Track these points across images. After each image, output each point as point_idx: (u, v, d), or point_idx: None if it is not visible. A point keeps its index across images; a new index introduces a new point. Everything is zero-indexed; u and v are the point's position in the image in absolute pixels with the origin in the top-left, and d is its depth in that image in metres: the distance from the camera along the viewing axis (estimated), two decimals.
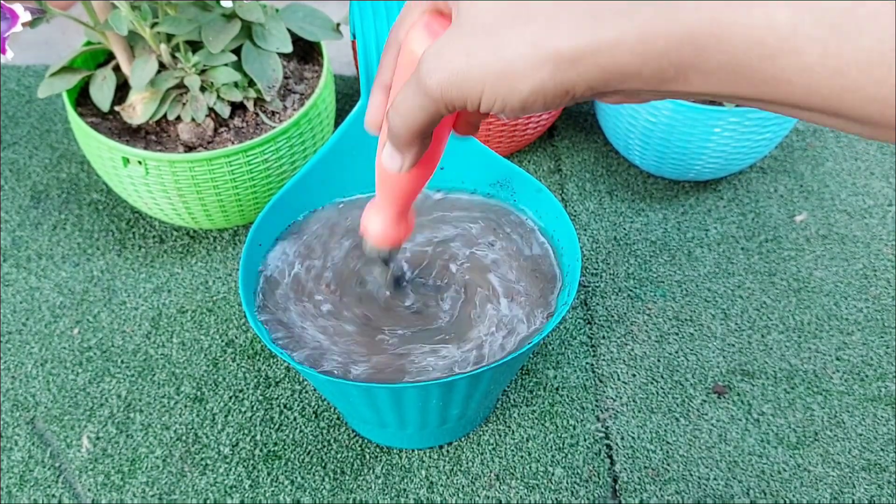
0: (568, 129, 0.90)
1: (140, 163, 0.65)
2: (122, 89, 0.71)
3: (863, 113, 0.20)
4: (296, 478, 0.61)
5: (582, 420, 0.64)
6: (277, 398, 0.65)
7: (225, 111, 0.69)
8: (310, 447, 0.62)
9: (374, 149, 0.56)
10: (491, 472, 0.61)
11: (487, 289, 0.54)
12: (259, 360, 0.68)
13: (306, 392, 0.66)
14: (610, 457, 0.62)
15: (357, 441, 0.63)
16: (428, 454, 0.62)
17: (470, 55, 0.25)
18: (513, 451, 0.63)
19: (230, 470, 0.61)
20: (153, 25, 0.64)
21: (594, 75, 0.23)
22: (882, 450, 0.63)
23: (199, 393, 0.66)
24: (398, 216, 0.42)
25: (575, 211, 0.81)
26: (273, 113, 0.71)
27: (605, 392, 0.66)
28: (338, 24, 0.72)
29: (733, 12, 0.21)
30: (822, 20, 0.20)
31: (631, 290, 0.74)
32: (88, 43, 0.71)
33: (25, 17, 0.56)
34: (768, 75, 0.21)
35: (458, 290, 0.54)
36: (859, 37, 0.19)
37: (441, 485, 0.61)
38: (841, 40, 0.19)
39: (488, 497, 0.60)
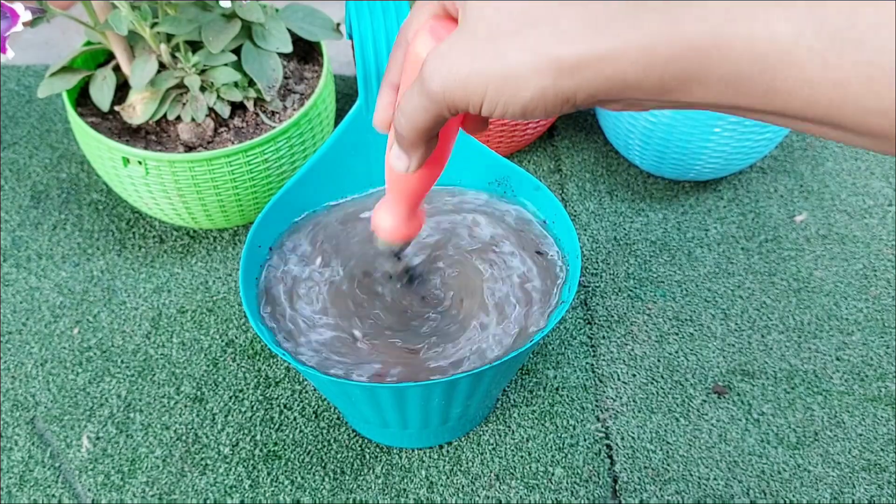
0: (568, 129, 0.90)
1: (140, 163, 0.65)
2: (122, 89, 0.71)
3: (863, 125, 0.21)
4: (296, 478, 0.61)
5: (582, 420, 0.64)
6: (277, 398, 0.65)
7: (225, 111, 0.69)
8: (310, 447, 0.62)
9: (373, 148, 0.57)
10: (491, 472, 0.61)
11: (488, 287, 0.54)
12: (259, 360, 0.68)
13: (306, 392, 0.66)
14: (610, 457, 0.62)
15: (357, 441, 0.63)
16: (428, 454, 0.62)
17: (473, 59, 0.25)
18: (513, 451, 0.63)
19: (230, 470, 0.61)
20: (153, 25, 0.64)
21: (596, 84, 0.23)
22: (882, 450, 0.63)
23: (199, 393, 0.66)
24: (408, 213, 0.43)
25: (575, 211, 0.81)
26: (273, 113, 0.71)
27: (605, 392, 0.66)
28: (338, 24, 0.72)
29: (735, 25, 0.21)
30: (823, 33, 0.20)
31: (631, 290, 0.74)
32: (88, 43, 0.71)
33: (26, 16, 0.56)
34: (769, 87, 0.21)
35: (458, 288, 0.54)
36: (859, 50, 0.19)
37: (441, 485, 0.61)
38: (841, 53, 0.20)
39: (488, 497, 0.60)
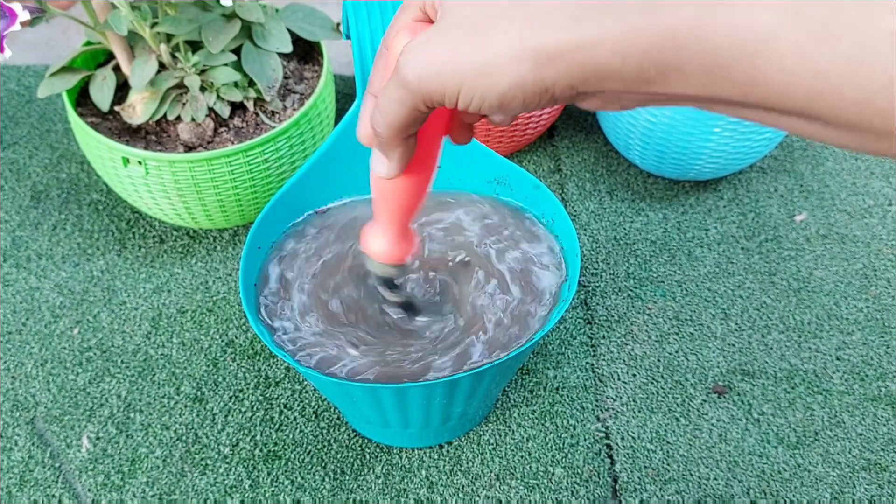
0: (568, 129, 0.90)
1: (140, 163, 0.65)
2: (122, 89, 0.71)
3: (841, 117, 0.21)
4: (296, 478, 0.61)
5: (582, 420, 0.64)
6: (277, 398, 0.65)
7: (225, 111, 0.69)
8: (310, 447, 0.62)
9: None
10: (491, 471, 0.61)
11: (489, 286, 0.54)
12: (259, 360, 0.68)
13: (306, 392, 0.66)
14: (610, 457, 0.62)
15: (357, 441, 0.63)
16: (428, 454, 0.62)
17: (450, 49, 0.25)
18: (513, 451, 0.63)
19: (230, 470, 0.61)
20: (153, 25, 0.64)
21: (574, 73, 0.23)
22: (882, 450, 0.63)
23: (199, 393, 0.66)
24: (399, 231, 0.41)
25: (575, 211, 0.81)
26: (273, 113, 0.71)
27: (605, 392, 0.66)
28: (338, 24, 0.72)
29: (715, 13, 0.21)
30: (803, 24, 0.20)
31: (631, 290, 0.74)
32: (88, 43, 0.71)
33: (24, 16, 0.56)
34: (748, 77, 0.21)
35: (458, 291, 0.54)
36: (839, 42, 0.19)
37: (441, 485, 0.61)
38: (821, 44, 0.20)
39: (488, 497, 0.60)
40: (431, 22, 0.30)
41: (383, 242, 0.42)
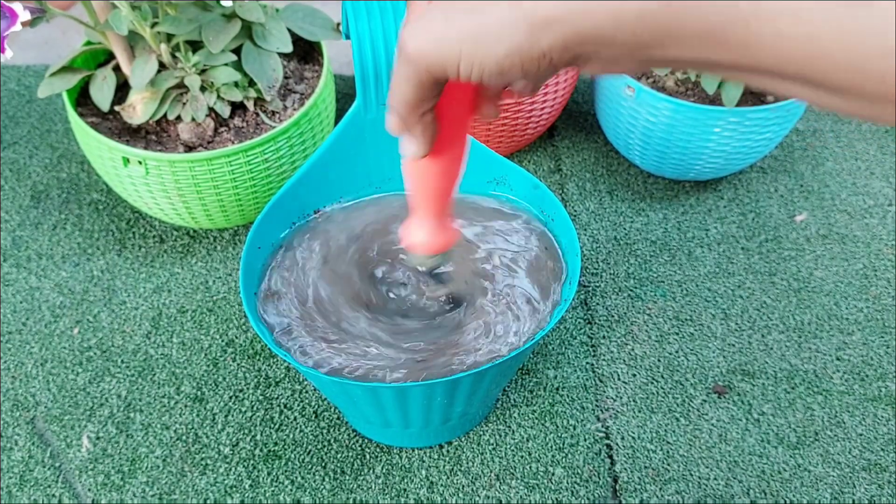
0: (568, 129, 0.90)
1: (140, 163, 0.65)
2: (122, 89, 0.71)
3: (834, 81, 0.21)
4: (296, 478, 0.61)
5: (582, 420, 0.64)
6: (277, 398, 0.65)
7: (225, 111, 0.69)
8: (310, 447, 0.62)
9: (371, 148, 0.57)
10: (491, 471, 0.61)
11: (489, 285, 0.54)
12: (259, 360, 0.68)
13: (306, 392, 0.66)
14: (610, 457, 0.62)
15: (357, 441, 0.63)
16: (428, 454, 0.62)
17: (447, 20, 0.25)
18: (513, 451, 0.63)
19: (230, 470, 0.61)
20: (153, 25, 0.64)
21: (569, 38, 0.24)
22: (882, 450, 0.63)
23: (199, 393, 0.66)
24: (438, 219, 0.41)
25: (575, 211, 0.81)
26: (273, 113, 0.71)
27: (605, 392, 0.66)
28: (338, 24, 0.72)
29: None
30: None
31: (631, 290, 0.74)
32: (88, 43, 0.71)
33: (25, 16, 0.56)
34: (742, 40, 0.21)
35: (463, 289, 0.54)
36: (831, 7, 0.20)
37: (441, 485, 0.61)
38: (813, 8, 0.20)
39: (488, 497, 0.60)
40: None
41: (425, 232, 0.42)
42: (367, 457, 0.62)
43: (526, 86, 0.30)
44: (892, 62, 0.19)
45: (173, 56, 0.67)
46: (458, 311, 0.53)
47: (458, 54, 0.25)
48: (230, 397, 0.65)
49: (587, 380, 0.67)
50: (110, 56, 0.71)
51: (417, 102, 0.30)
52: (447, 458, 0.62)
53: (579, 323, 0.71)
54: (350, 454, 0.62)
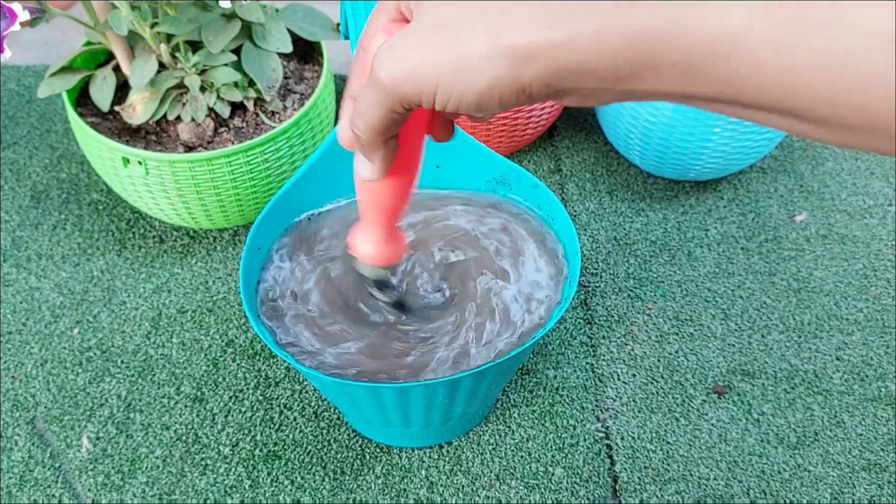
0: (568, 129, 0.90)
1: (140, 163, 0.65)
2: (122, 89, 0.71)
3: (816, 113, 0.21)
4: (296, 478, 0.61)
5: (582, 420, 0.64)
6: (277, 398, 0.65)
7: (225, 111, 0.69)
8: (310, 447, 0.62)
9: None
10: (491, 472, 0.61)
11: (490, 285, 0.54)
12: (259, 360, 0.68)
13: (306, 392, 0.66)
14: (610, 457, 0.62)
15: (357, 441, 0.63)
16: (428, 454, 0.62)
17: (425, 49, 0.25)
18: (513, 451, 0.63)
19: (230, 470, 0.61)
20: (153, 25, 0.64)
21: (550, 72, 0.23)
22: (882, 450, 0.63)
23: (199, 393, 0.66)
24: (385, 233, 0.41)
25: (575, 211, 0.81)
26: (273, 113, 0.71)
27: (605, 392, 0.66)
28: (338, 24, 0.72)
29: (688, 12, 0.21)
30: (777, 22, 0.20)
31: (631, 290, 0.74)
32: (88, 43, 0.71)
33: (24, 16, 0.56)
34: (722, 74, 0.21)
35: (458, 289, 0.54)
36: (812, 40, 0.19)
37: (441, 485, 0.61)
38: (794, 42, 0.20)
39: (488, 497, 0.60)
40: (408, 22, 0.29)
41: (371, 245, 0.42)
42: (367, 457, 0.62)
43: (484, 116, 0.29)
44: (874, 93, 0.19)
45: (173, 56, 0.67)
46: (454, 309, 0.53)
47: (436, 84, 0.25)
48: (230, 397, 0.65)
49: (587, 380, 0.67)
50: (110, 56, 0.71)
51: (385, 130, 0.29)
52: (447, 458, 0.62)
53: (579, 323, 0.71)
54: (350, 454, 0.62)
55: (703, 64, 0.21)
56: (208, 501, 0.59)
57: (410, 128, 0.33)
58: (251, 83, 0.70)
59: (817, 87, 0.20)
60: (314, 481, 0.61)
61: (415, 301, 0.53)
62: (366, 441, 0.63)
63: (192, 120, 0.68)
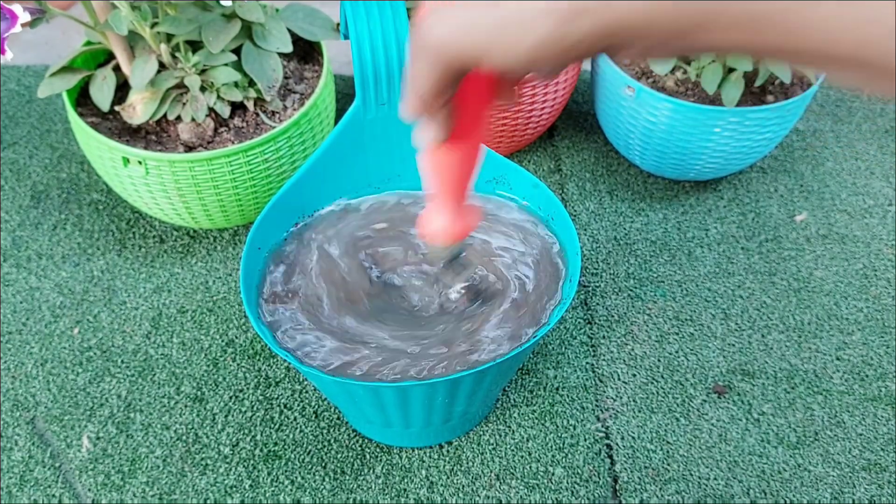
0: (568, 129, 0.90)
1: (140, 163, 0.65)
2: (122, 89, 0.71)
3: (885, 62, 0.20)
4: (296, 478, 0.61)
5: (582, 420, 0.64)
6: (277, 398, 0.65)
7: (225, 111, 0.69)
8: (310, 447, 0.62)
9: (370, 148, 0.57)
10: (491, 471, 0.61)
11: (491, 284, 0.54)
12: (259, 360, 0.68)
13: (306, 392, 0.66)
14: (610, 457, 0.62)
15: (357, 441, 0.63)
16: (428, 454, 0.62)
17: (473, 9, 0.24)
18: (513, 451, 0.63)
19: (230, 470, 0.61)
20: (153, 25, 0.64)
21: (601, 28, 0.23)
22: (882, 450, 0.63)
23: (199, 393, 0.66)
24: (457, 206, 0.41)
25: (575, 211, 0.81)
26: (273, 113, 0.71)
27: (605, 392, 0.66)
28: (338, 24, 0.72)
29: None
30: None
31: (631, 290, 0.74)
32: (88, 43, 0.71)
33: (25, 17, 0.56)
34: (782, 26, 0.21)
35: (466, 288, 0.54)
36: None
37: (441, 485, 0.61)
38: None
39: (488, 497, 0.60)
40: None
41: (444, 219, 0.41)
42: (367, 457, 0.62)
43: (550, 71, 0.29)
44: None
45: (173, 56, 0.67)
46: (467, 315, 0.53)
47: (485, 45, 0.25)
48: (230, 397, 0.65)
49: (587, 380, 0.67)
50: (110, 56, 0.71)
51: (440, 91, 0.29)
52: (447, 458, 0.62)
53: (579, 323, 0.71)
54: (350, 454, 0.62)
55: (764, 17, 0.20)
56: (208, 501, 0.59)
57: (470, 91, 0.33)
58: (251, 83, 0.70)
59: (884, 38, 0.19)
60: (314, 481, 0.61)
61: (486, 286, 0.53)
62: (366, 441, 0.63)
63: (193, 120, 0.68)
